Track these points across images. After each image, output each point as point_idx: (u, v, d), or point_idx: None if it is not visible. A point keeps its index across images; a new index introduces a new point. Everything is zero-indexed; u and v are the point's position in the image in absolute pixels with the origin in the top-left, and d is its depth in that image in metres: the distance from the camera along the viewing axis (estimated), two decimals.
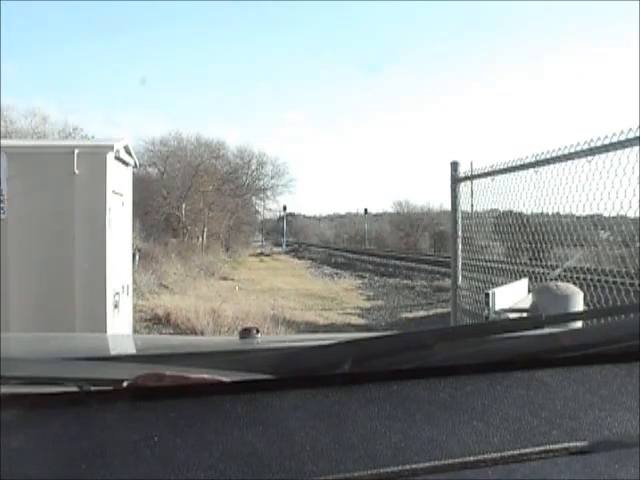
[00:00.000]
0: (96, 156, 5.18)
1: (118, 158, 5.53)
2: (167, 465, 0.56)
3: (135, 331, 6.86)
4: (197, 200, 23.40)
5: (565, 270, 3.63)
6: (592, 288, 3.22)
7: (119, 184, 5.61)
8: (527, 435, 0.64)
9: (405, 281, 15.27)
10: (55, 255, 5.00)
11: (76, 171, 5.01)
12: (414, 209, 38.70)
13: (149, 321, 8.35)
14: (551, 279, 3.54)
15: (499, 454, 0.60)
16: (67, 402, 0.66)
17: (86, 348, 1.11)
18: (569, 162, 3.38)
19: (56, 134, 17.82)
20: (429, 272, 16.53)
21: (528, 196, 3.89)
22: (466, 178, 4.67)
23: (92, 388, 0.68)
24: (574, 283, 3.12)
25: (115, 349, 1.20)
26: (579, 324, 1.34)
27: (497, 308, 2.81)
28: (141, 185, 16.82)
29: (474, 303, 4.36)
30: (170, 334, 7.39)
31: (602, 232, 3.71)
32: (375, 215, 49.04)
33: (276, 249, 37.23)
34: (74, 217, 5.02)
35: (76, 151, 5.06)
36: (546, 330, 0.92)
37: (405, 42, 69.12)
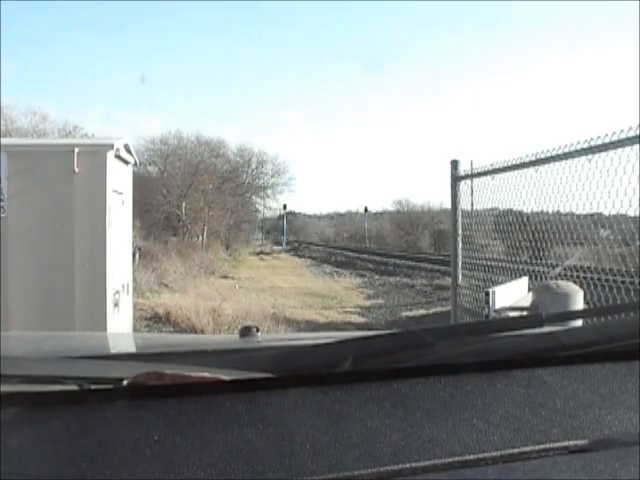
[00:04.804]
0: (96, 155, 5.18)
1: (118, 157, 5.53)
2: (167, 464, 0.56)
3: (135, 330, 6.86)
4: (197, 199, 23.41)
5: (565, 269, 3.63)
6: (592, 287, 3.22)
7: (119, 183, 5.61)
8: (527, 433, 0.64)
9: (405, 280, 15.27)
10: (55, 254, 5.00)
11: (76, 170, 5.01)
12: (414, 208, 38.81)
13: (149, 320, 8.36)
14: (551, 278, 3.54)
15: (499, 452, 0.60)
16: (67, 401, 0.66)
17: (86, 347, 1.11)
18: (569, 161, 3.38)
19: (56, 133, 17.85)
20: (429, 271, 16.54)
21: (528, 194, 3.89)
22: (466, 176, 4.67)
23: (92, 386, 0.68)
24: (574, 282, 3.11)
25: (115, 348, 1.20)
26: (579, 323, 1.33)
27: (497, 307, 2.81)
28: (141, 184, 16.82)
29: (474, 302, 4.36)
30: (170, 333, 7.39)
31: (602, 231, 3.70)
32: (375, 214, 49.03)
33: (276, 248, 37.22)
34: (74, 216, 5.03)
35: (76, 150, 5.06)
36: (546, 329, 0.92)
37: (405, 41, 69.10)
